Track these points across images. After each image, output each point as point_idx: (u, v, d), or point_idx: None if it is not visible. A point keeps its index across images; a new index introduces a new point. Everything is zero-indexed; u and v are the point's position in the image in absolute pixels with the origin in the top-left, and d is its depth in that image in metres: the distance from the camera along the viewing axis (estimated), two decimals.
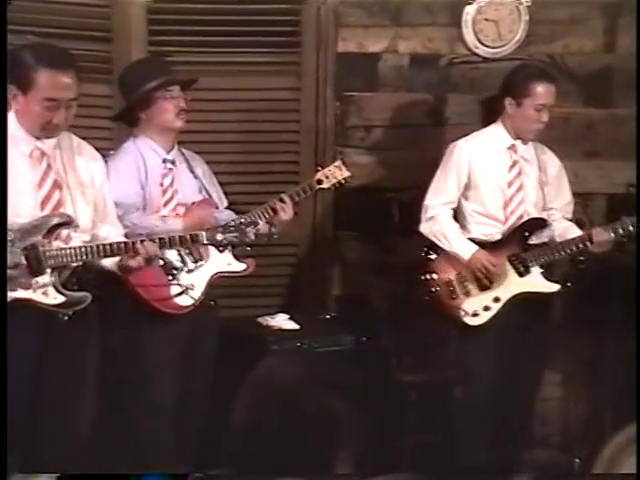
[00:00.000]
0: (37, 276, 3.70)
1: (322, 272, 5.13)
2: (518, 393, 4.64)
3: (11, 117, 3.78)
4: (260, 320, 4.77)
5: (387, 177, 5.08)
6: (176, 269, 4.28)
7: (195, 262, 4.31)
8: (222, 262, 4.37)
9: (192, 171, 4.46)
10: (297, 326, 4.76)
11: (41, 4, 4.69)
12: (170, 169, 4.39)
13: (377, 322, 4.99)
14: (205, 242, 3.94)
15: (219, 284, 4.43)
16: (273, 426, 4.50)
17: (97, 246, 3.79)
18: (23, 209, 3.71)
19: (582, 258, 4.69)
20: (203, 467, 4.42)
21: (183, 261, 4.28)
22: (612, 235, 4.48)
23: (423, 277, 4.59)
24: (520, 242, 4.55)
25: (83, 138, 4.69)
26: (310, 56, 5.04)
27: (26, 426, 3.87)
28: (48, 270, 3.72)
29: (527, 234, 4.55)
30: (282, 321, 4.78)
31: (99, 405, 4.54)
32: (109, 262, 3.88)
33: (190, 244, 4.00)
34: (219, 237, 3.92)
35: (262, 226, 4.41)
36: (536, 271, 4.54)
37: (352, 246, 5.11)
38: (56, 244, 3.74)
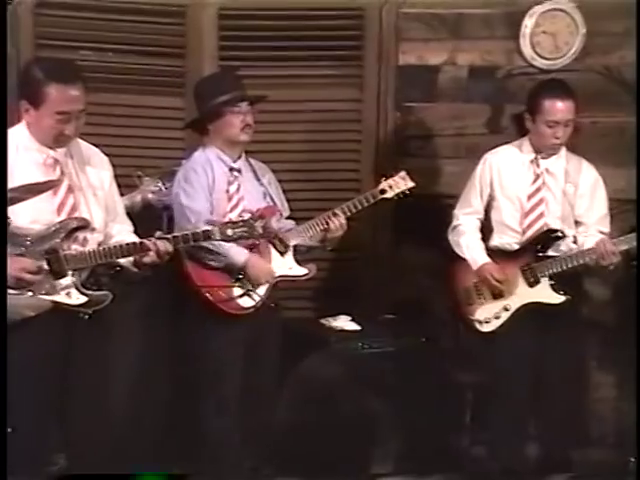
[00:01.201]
0: (59, 279, 3.74)
1: (382, 275, 5.13)
2: (553, 394, 4.60)
3: (23, 129, 3.80)
4: (323, 321, 4.84)
5: (445, 184, 5.11)
6: (239, 272, 4.32)
7: None
8: (284, 266, 4.41)
9: (258, 179, 4.51)
10: (358, 327, 4.82)
11: (120, 23, 4.80)
12: (236, 177, 4.44)
13: (435, 324, 4.99)
14: (218, 237, 3.93)
15: (284, 287, 4.48)
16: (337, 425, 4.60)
17: (114, 247, 3.82)
18: (41, 215, 3.74)
19: (634, 262, 4.60)
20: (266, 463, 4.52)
21: None
22: (615, 248, 4.42)
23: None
24: (533, 253, 4.54)
25: (157, 148, 4.87)
26: (372, 69, 5.08)
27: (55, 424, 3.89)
28: (69, 272, 3.76)
29: (541, 246, 4.53)
30: (344, 322, 4.84)
31: (163, 401, 4.68)
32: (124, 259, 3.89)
33: (202, 240, 3.97)
34: (229, 232, 3.92)
35: (314, 238, 4.47)
36: (545, 282, 4.50)
37: (411, 250, 5.12)
38: (74, 246, 3.78)
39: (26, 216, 3.70)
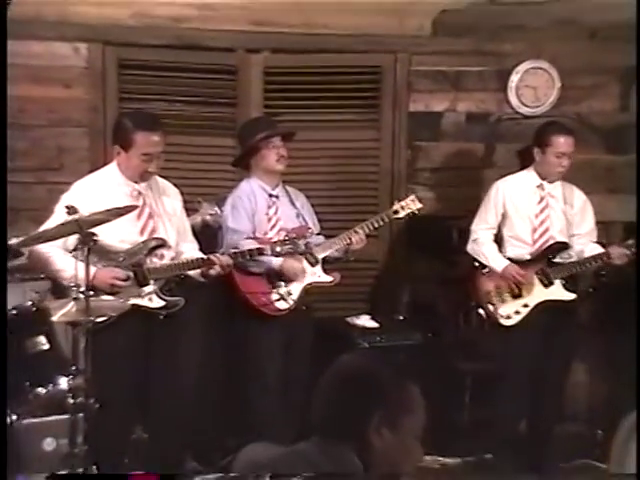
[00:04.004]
0: (143, 287, 3.86)
1: (397, 282, 5.15)
2: (547, 379, 4.61)
3: (114, 168, 3.92)
4: (348, 320, 4.84)
5: (448, 208, 5.15)
6: (276, 280, 4.34)
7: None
8: (314, 275, 4.43)
9: (293, 203, 4.54)
10: (377, 325, 4.82)
11: (184, 79, 4.88)
12: (274, 202, 4.47)
13: (440, 322, 5.00)
14: (269, 253, 4.05)
15: (314, 292, 4.48)
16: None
17: (188, 261, 3.94)
18: (127, 235, 3.87)
19: (603, 272, 4.69)
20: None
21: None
22: (627, 251, 4.48)
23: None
24: (545, 260, 4.57)
25: (213, 179, 4.84)
26: (387, 115, 5.14)
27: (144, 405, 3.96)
28: (151, 281, 3.87)
29: (551, 254, 4.58)
30: (365, 321, 4.84)
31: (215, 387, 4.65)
32: (193, 271, 3.99)
33: (257, 256, 4.09)
34: (278, 248, 4.05)
35: (339, 250, 4.46)
36: (558, 283, 4.55)
37: (420, 262, 5.12)
38: (154, 260, 3.90)
39: (115, 236, 3.82)
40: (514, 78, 5.15)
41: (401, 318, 5.00)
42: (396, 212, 4.58)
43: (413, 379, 2.06)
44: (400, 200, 4.62)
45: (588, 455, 4.73)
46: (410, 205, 4.59)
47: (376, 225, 4.54)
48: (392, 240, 5.17)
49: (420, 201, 4.61)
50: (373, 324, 4.82)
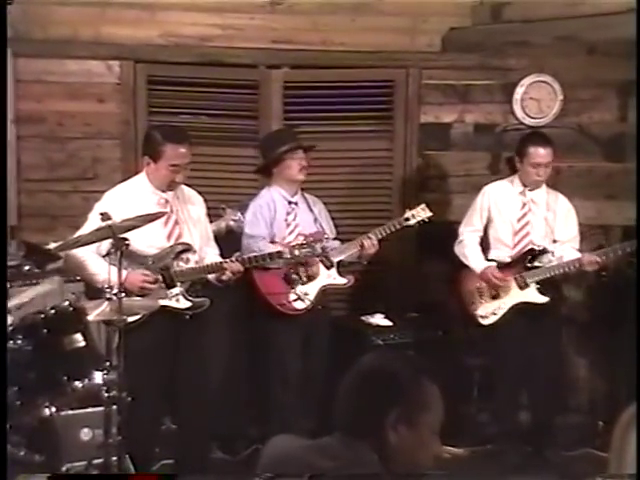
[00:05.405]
0: (171, 289, 3.88)
1: (409, 283, 5.16)
2: (537, 375, 4.55)
3: (143, 178, 3.92)
4: (363, 318, 4.86)
5: (455, 213, 5.11)
6: (294, 281, 4.36)
7: (307, 277, 4.39)
8: (329, 277, 4.45)
9: (311, 210, 4.55)
10: (390, 323, 4.83)
11: (209, 94, 4.92)
12: (293, 209, 4.49)
13: (449, 320, 4.95)
14: (287, 257, 4.06)
15: (331, 292, 4.52)
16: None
17: (204, 266, 3.95)
18: (155, 241, 3.88)
19: (604, 273, 4.65)
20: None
21: (299, 276, 4.37)
22: (599, 259, 4.42)
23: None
24: (523, 264, 4.54)
25: (236, 186, 4.88)
26: (400, 125, 5.16)
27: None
28: (178, 284, 3.89)
29: (530, 258, 4.54)
30: (379, 319, 4.85)
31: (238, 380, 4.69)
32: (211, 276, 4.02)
33: (275, 259, 4.10)
34: (297, 252, 4.05)
35: (353, 255, 4.48)
36: (533, 286, 4.51)
37: (429, 263, 5.15)
38: (180, 264, 3.91)
39: (144, 241, 3.84)
40: (519, 91, 5.15)
41: (413, 317, 4.97)
42: (407, 219, 4.59)
43: (432, 378, 2.05)
44: (411, 208, 4.63)
45: (590, 444, 4.72)
46: (420, 213, 4.60)
47: (388, 231, 4.56)
48: (403, 244, 5.11)
49: (430, 209, 4.61)
50: (386, 322, 4.83)
